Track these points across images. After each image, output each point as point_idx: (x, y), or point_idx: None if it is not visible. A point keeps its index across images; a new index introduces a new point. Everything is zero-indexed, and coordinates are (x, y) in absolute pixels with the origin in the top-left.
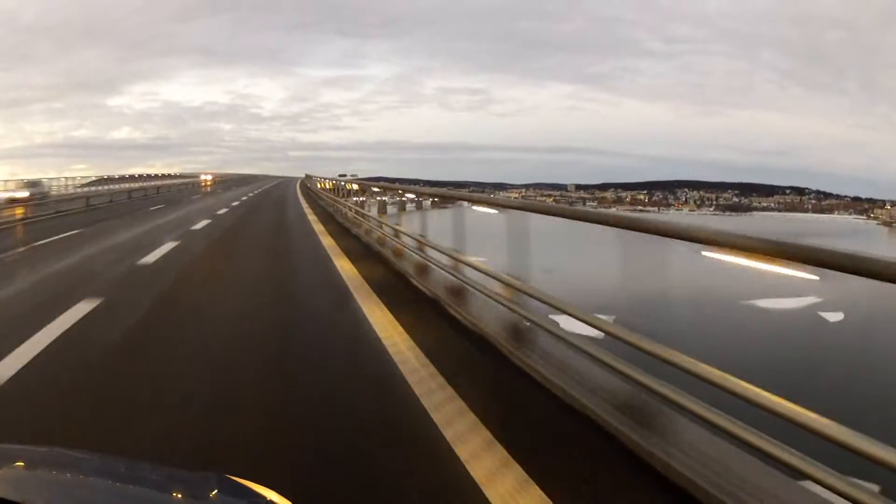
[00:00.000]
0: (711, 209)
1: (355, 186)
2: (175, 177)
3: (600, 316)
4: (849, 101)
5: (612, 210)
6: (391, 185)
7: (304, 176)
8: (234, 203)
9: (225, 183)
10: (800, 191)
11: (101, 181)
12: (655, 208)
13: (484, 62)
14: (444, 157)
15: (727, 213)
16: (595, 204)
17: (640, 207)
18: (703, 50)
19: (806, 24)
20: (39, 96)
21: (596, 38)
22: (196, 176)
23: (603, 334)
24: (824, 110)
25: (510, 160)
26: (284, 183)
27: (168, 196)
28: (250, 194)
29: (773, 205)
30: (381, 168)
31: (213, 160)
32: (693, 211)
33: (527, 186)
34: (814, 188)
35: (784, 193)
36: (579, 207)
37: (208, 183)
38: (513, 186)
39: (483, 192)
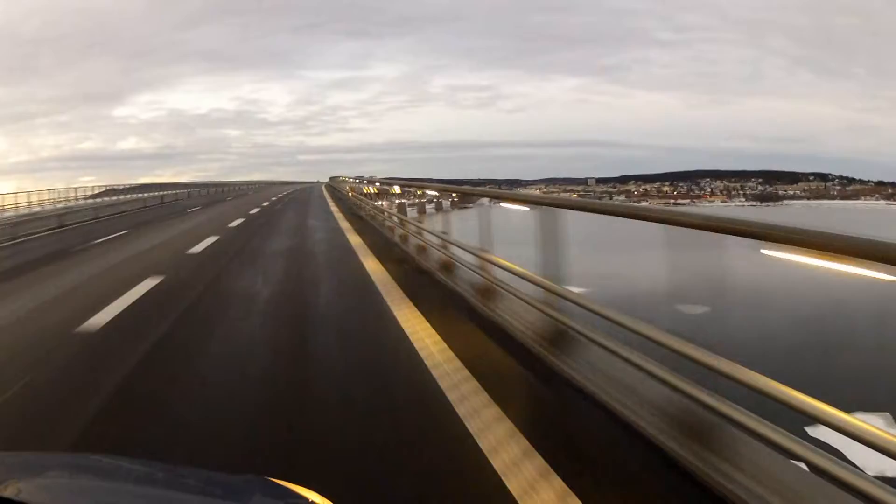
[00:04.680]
0: (742, 200)
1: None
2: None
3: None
4: (859, 86)
5: (648, 204)
6: (422, 184)
7: (327, 181)
8: None
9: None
10: (823, 177)
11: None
12: (687, 201)
13: (491, 59)
14: (455, 155)
15: (764, 204)
16: (623, 198)
17: (672, 201)
18: (713, 38)
19: (815, 10)
20: (44, 110)
21: (605, 29)
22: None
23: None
24: (835, 96)
25: (521, 156)
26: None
27: None
28: None
29: (799, 192)
30: (391, 168)
31: (222, 167)
32: (725, 202)
33: (543, 182)
34: (836, 174)
35: (808, 180)
36: (618, 203)
37: None
38: (527, 182)
39: (499, 188)
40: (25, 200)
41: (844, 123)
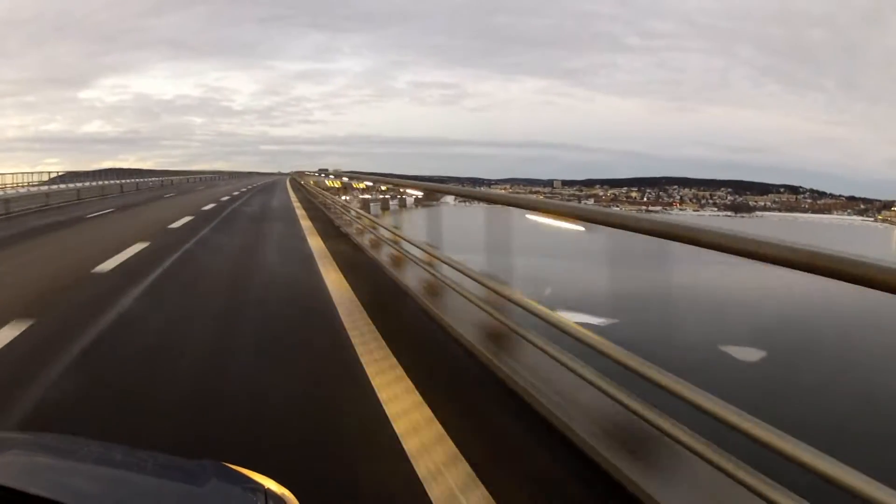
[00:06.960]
0: (714, 209)
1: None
2: None
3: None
4: (826, 98)
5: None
6: (400, 181)
7: (290, 173)
8: None
9: None
10: (794, 189)
11: None
12: (658, 208)
13: (457, 57)
14: (417, 151)
15: (739, 215)
16: (591, 202)
17: (644, 208)
18: (681, 46)
19: (787, 22)
20: (11, 90)
21: (572, 32)
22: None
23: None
24: (801, 107)
25: (484, 155)
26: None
27: None
28: None
29: (769, 203)
30: (352, 162)
31: (185, 154)
32: (697, 211)
33: (506, 182)
34: (806, 186)
35: (778, 192)
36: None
37: None
38: (490, 181)
39: (463, 186)
40: None
41: (812, 135)
